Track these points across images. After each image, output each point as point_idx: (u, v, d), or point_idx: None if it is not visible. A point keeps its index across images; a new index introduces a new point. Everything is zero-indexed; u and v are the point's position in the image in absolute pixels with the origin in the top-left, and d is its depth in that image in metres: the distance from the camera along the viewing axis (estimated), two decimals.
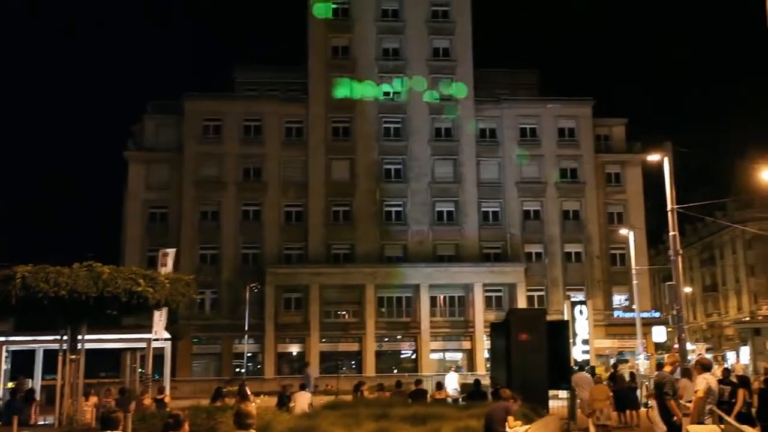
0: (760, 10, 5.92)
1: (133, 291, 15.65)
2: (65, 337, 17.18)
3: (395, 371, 52.48)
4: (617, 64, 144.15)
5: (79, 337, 16.98)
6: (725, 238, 78.41)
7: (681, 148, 28.23)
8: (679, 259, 26.53)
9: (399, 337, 56.03)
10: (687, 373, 14.99)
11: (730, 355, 69.54)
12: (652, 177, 48.72)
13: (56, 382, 17.93)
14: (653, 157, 29.41)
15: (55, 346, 19.50)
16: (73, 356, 16.86)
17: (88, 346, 17.93)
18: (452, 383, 29.57)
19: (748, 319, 71.39)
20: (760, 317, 69.26)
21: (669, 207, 26.41)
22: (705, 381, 11.81)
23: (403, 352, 56.55)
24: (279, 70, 61.78)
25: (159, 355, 29.04)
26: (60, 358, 17.37)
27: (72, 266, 15.52)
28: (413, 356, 55.45)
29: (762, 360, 55.57)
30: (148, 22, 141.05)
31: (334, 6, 59.11)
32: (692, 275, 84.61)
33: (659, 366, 20.15)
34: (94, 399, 21.47)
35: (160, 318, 25.16)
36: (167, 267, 25.02)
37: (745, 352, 68.13)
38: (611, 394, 20.99)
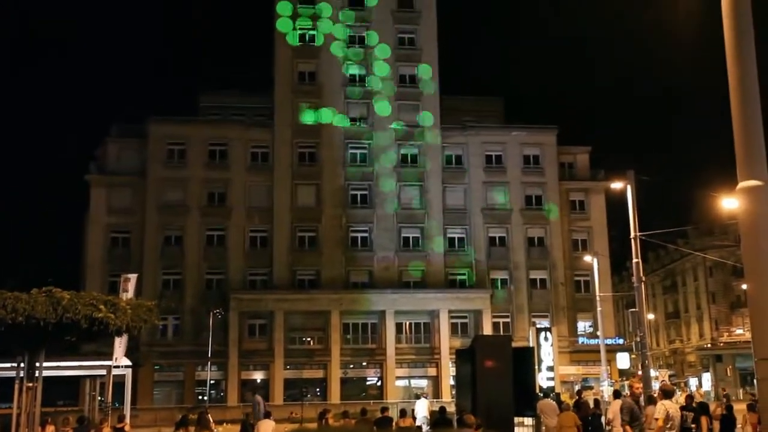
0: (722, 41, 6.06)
1: (94, 317, 15.34)
2: (22, 365, 16.78)
3: (362, 398, 52.11)
4: (582, 92, 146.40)
5: (37, 364, 16.59)
6: (687, 266, 79.52)
7: (643, 176, 28.67)
8: (642, 286, 26.81)
9: (364, 363, 55.70)
10: (653, 401, 15.11)
11: (693, 382, 70.33)
12: (615, 204, 49.34)
13: (12, 411, 17.45)
14: (616, 185, 29.82)
15: (12, 373, 18.99)
16: (30, 384, 16.45)
17: (46, 373, 17.51)
18: (422, 411, 28.98)
19: (709, 345, 72.32)
20: (721, 344, 70.22)
21: (632, 234, 26.71)
22: (663, 408, 12.02)
23: (368, 379, 56.24)
24: (244, 94, 61.71)
25: (119, 382, 28.51)
26: (16, 386, 16.92)
27: (30, 292, 15.19)
28: (378, 383, 55.15)
29: (723, 386, 56.24)
30: (112, 44, 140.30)
31: (301, 32, 59.27)
32: (655, 302, 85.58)
33: (616, 394, 20.23)
34: (51, 428, 20.95)
35: (119, 345, 24.71)
36: (129, 292, 24.63)
37: (707, 378, 68.94)
38: (580, 422, 21.00)
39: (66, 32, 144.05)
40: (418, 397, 38.56)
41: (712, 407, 23.03)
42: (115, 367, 25.67)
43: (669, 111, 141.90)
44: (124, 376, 27.77)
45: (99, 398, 29.84)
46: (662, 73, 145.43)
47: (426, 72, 59.77)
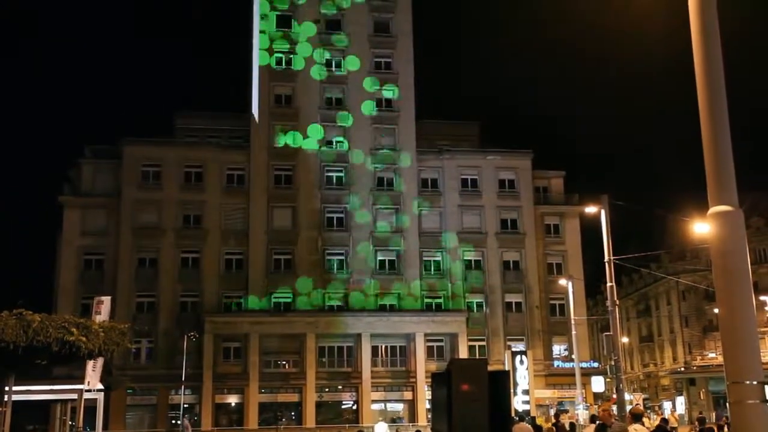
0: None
1: (65, 340, 15.19)
2: None
3: (337, 422, 51.84)
4: (556, 117, 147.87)
5: (6, 388, 16.34)
6: (660, 290, 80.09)
7: (617, 201, 28.98)
8: (616, 309, 26.98)
9: (340, 387, 55.36)
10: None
11: (667, 405, 70.52)
12: (589, 228, 49.73)
13: None
14: (591, 209, 30.09)
15: None
16: None
17: (15, 397, 17.24)
18: None
19: (682, 369, 72.70)
20: (694, 367, 70.63)
21: (606, 258, 26.92)
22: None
23: (344, 402, 55.85)
24: (220, 117, 61.65)
25: (91, 406, 28.14)
26: None
27: (0, 314, 15.00)
28: (354, 407, 54.80)
29: (696, 409, 56.53)
30: (87, 64, 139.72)
31: (278, 55, 59.45)
32: (629, 326, 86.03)
33: (592, 418, 20.33)
34: None
35: (94, 368, 24.42)
36: (102, 315, 24.41)
37: (681, 401, 69.22)
38: None
39: (40, 52, 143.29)
40: (394, 420, 38.38)
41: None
42: (87, 391, 25.36)
43: (643, 136, 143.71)
44: (96, 400, 27.43)
45: (70, 423, 29.40)
46: (636, 98, 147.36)
47: (402, 95, 60.10)
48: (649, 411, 53.30)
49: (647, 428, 14.97)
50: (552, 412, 46.77)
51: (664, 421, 17.95)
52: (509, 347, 53.93)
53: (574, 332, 48.00)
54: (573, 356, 49.57)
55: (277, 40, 59.36)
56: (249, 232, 56.28)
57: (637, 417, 12.69)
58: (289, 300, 56.05)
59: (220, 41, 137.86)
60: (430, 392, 39.74)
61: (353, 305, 56.09)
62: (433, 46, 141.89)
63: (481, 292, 58.18)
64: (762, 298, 49.38)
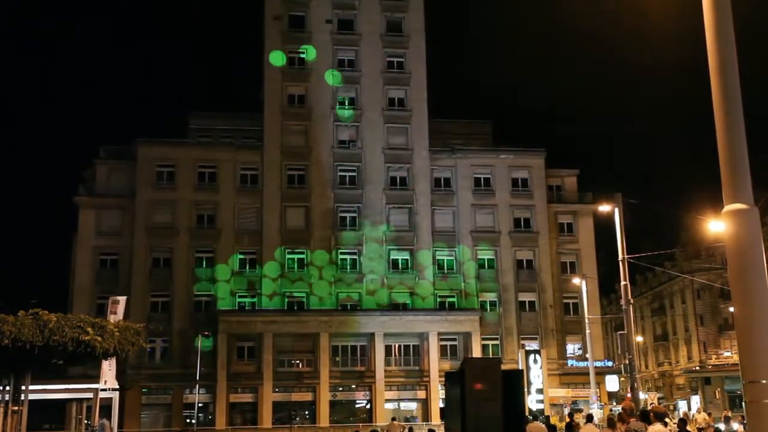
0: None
1: (81, 340, 15.28)
2: (8, 388, 16.64)
3: (351, 421, 51.90)
4: (570, 115, 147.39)
5: (23, 387, 16.46)
6: (675, 288, 79.72)
7: (631, 199, 28.88)
8: (631, 308, 26.88)
9: (353, 386, 55.39)
10: (612, 424, 15.02)
11: (682, 404, 70.21)
12: (603, 227, 49.56)
13: None
14: (604, 208, 29.97)
15: None
16: (16, 408, 16.30)
17: (32, 396, 17.37)
18: None
19: (698, 368, 72.33)
20: (709, 366, 70.27)
21: (620, 257, 26.82)
22: None
23: (357, 401, 55.90)
24: (234, 117, 61.85)
25: (106, 405, 28.28)
26: (1, 410, 16.77)
27: (17, 314, 15.11)
28: (368, 406, 54.85)
29: (712, 409, 56.09)
30: (102, 65, 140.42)
31: (291, 55, 59.58)
32: (644, 324, 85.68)
33: (589, 417, 20.26)
34: None
35: (109, 367, 24.58)
36: (117, 315, 24.58)
37: (696, 400, 68.90)
38: None
39: (56, 54, 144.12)
40: (408, 419, 38.39)
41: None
42: (103, 390, 25.52)
43: (658, 134, 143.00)
44: (111, 399, 27.59)
45: (86, 422, 29.59)
46: (651, 97, 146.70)
47: (415, 95, 60.07)
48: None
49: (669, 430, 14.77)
50: (566, 411, 46.62)
51: (683, 421, 17.79)
52: (523, 346, 53.84)
53: (588, 331, 47.84)
54: (587, 355, 49.41)
55: (290, 40, 59.47)
56: (262, 232, 56.43)
57: (659, 416, 12.40)
58: (302, 299, 56.16)
59: (233, 42, 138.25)
60: (443, 391, 39.72)
61: (366, 304, 56.12)
62: (446, 45, 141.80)
63: (495, 291, 58.06)
64: None
